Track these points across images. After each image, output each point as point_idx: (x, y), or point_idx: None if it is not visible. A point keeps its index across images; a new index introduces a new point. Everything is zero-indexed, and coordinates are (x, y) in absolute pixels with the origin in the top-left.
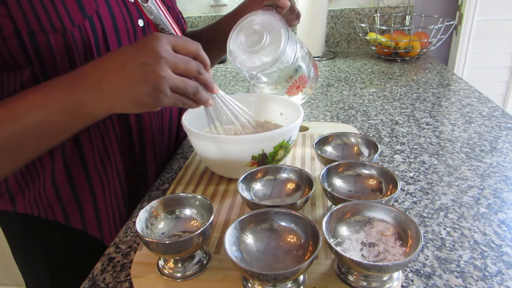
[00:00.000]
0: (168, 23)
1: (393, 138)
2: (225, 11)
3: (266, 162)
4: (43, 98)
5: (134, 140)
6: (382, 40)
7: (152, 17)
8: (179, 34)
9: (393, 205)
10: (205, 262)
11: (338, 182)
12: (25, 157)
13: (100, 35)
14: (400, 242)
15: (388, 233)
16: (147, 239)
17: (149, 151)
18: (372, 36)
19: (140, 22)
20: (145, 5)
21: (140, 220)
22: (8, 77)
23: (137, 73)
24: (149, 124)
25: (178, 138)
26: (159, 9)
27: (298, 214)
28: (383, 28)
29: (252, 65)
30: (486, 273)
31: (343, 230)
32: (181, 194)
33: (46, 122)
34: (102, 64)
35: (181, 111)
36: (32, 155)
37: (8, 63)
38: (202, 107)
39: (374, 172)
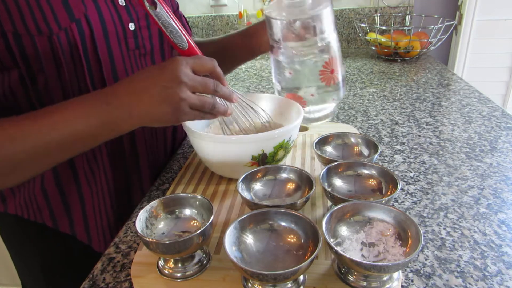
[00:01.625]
0: (177, 27)
1: (393, 138)
2: (225, 11)
3: (266, 162)
4: (84, 111)
5: (124, 145)
6: (382, 40)
7: (161, 22)
8: (189, 38)
9: (393, 205)
10: (205, 262)
11: (338, 182)
12: (51, 164)
13: (88, 38)
14: (400, 242)
15: (388, 233)
16: (147, 239)
17: (141, 155)
18: (372, 36)
19: (131, 26)
20: (155, 11)
21: (140, 220)
22: None
23: (160, 96)
24: (140, 129)
25: (177, 138)
26: (168, 15)
27: (298, 214)
28: (383, 28)
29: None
30: (486, 273)
31: (343, 230)
32: (181, 194)
33: (84, 133)
34: (132, 84)
35: None
36: (56, 163)
37: None
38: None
39: (374, 172)
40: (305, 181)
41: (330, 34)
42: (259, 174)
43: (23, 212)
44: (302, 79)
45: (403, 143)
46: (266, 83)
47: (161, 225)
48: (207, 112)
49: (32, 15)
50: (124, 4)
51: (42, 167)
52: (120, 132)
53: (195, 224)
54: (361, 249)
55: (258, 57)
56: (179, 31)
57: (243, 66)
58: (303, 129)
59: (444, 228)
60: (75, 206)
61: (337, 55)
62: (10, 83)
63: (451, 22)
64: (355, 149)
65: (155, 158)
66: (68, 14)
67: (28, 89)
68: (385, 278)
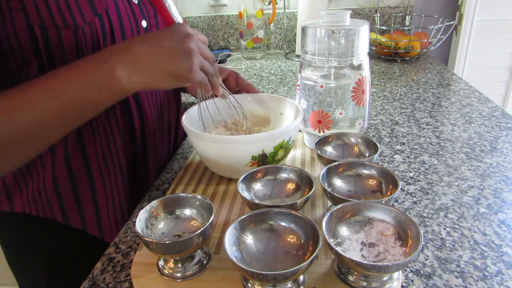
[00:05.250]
0: (173, 3)
1: (393, 138)
2: (225, 11)
3: (266, 162)
4: (79, 73)
5: (136, 138)
6: (382, 40)
7: None
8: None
9: (393, 205)
10: (205, 262)
11: (338, 182)
12: (50, 139)
13: (108, 34)
14: (400, 242)
15: (388, 233)
16: (147, 239)
17: (151, 150)
18: (372, 36)
19: (143, 23)
20: None
21: (140, 220)
22: (12, 76)
23: (174, 49)
24: (151, 122)
25: (177, 138)
26: None
27: (298, 214)
28: (383, 28)
29: None
30: (486, 273)
31: (343, 230)
32: (181, 194)
33: (82, 98)
34: (140, 42)
35: (179, 111)
36: (61, 135)
37: (15, 58)
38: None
39: (374, 172)
40: (305, 181)
41: (364, 54)
42: (259, 174)
43: (31, 209)
44: (334, 94)
45: (403, 143)
46: (266, 83)
47: (161, 225)
48: (209, 78)
49: (58, 8)
50: (137, 2)
51: (41, 143)
52: (122, 95)
53: (195, 224)
54: (361, 249)
55: (258, 57)
56: (175, 8)
57: (243, 66)
58: None
59: (444, 228)
60: (87, 198)
61: (368, 77)
62: (28, 77)
63: (451, 22)
64: (355, 149)
65: (162, 156)
66: (92, 9)
67: None
68: (385, 278)
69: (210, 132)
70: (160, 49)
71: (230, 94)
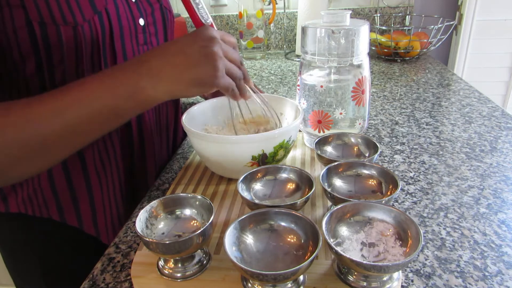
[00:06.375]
0: (203, 3)
1: (393, 138)
2: (225, 11)
3: (266, 162)
4: (108, 82)
5: (133, 138)
6: (382, 40)
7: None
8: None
9: (393, 205)
10: (205, 262)
11: (338, 182)
12: (81, 143)
13: (107, 31)
14: (400, 242)
15: (388, 233)
16: (147, 239)
17: (148, 150)
18: (372, 36)
19: (141, 21)
20: None
21: (140, 220)
22: (9, 73)
23: (198, 55)
24: (148, 123)
25: (177, 138)
26: None
27: (298, 214)
28: (383, 28)
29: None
30: (486, 273)
31: (343, 230)
32: (181, 194)
33: (110, 106)
34: (162, 51)
35: (178, 112)
36: (87, 142)
37: (12, 55)
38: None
39: (374, 172)
40: (305, 181)
41: (364, 54)
42: (259, 174)
43: (27, 208)
44: (334, 94)
45: (403, 143)
46: (266, 83)
47: (161, 225)
48: (236, 83)
49: (58, 5)
50: (134, 0)
51: (70, 148)
52: (150, 105)
53: (195, 224)
54: (361, 249)
55: (258, 57)
56: (204, 6)
57: None
58: None
59: (444, 228)
60: (83, 197)
61: (368, 77)
62: (25, 74)
63: (451, 22)
64: (355, 149)
65: (160, 156)
66: (92, 6)
67: (45, 82)
68: (385, 278)
69: (236, 125)
70: (182, 57)
71: (259, 97)
